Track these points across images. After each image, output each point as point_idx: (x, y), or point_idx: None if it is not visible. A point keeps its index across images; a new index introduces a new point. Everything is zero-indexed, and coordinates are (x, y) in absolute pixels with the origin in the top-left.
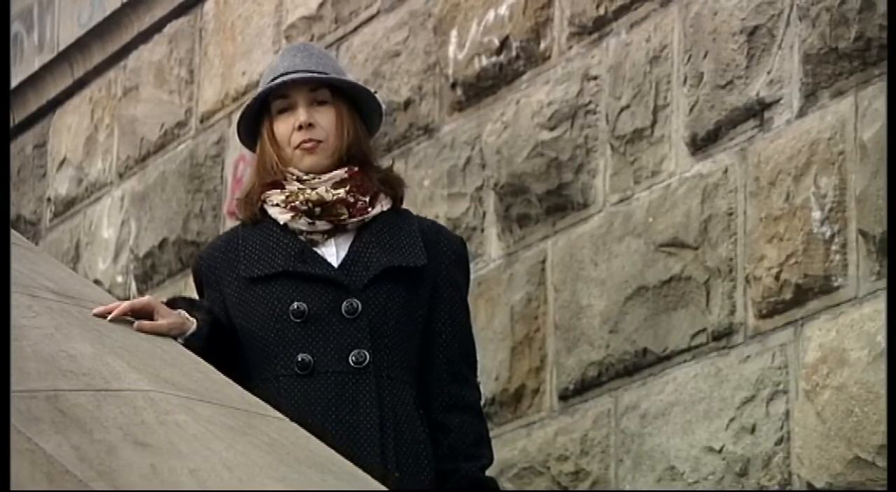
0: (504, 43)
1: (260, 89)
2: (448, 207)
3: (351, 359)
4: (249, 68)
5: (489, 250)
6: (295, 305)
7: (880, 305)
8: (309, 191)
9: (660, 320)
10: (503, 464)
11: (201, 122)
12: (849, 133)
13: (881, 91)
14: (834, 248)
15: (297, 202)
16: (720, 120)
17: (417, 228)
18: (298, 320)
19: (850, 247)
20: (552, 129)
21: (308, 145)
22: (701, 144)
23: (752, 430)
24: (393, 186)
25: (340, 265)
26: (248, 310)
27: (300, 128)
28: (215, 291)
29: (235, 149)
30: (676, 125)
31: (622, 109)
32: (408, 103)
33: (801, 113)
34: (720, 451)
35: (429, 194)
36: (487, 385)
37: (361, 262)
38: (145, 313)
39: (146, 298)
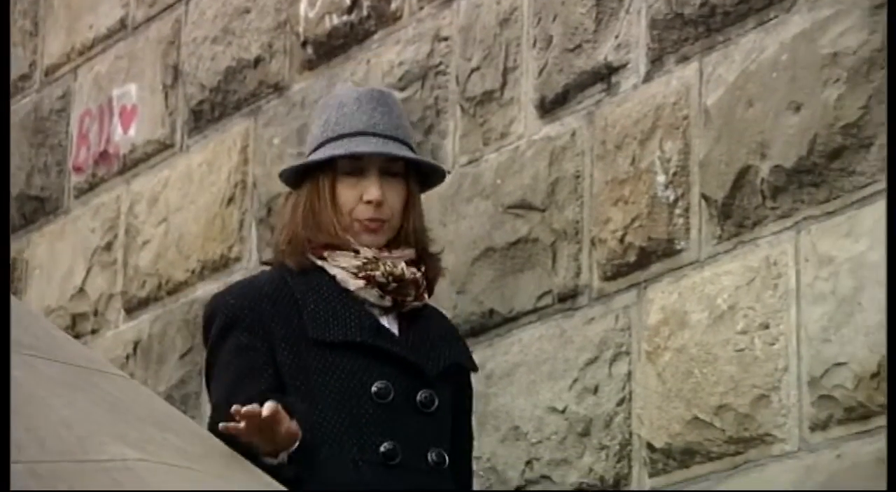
0: (355, 2)
1: (326, 136)
2: None
3: (430, 457)
4: (97, 22)
5: None
6: (380, 384)
7: (720, 268)
8: (390, 264)
9: (506, 282)
10: None
11: (46, 75)
12: (693, 98)
13: (725, 57)
14: (677, 211)
15: (378, 273)
16: (568, 83)
17: (449, 323)
18: (381, 402)
19: (693, 211)
20: (402, 89)
21: (374, 226)
22: (549, 107)
23: (595, 390)
24: (436, 276)
25: (410, 349)
26: (316, 378)
27: (368, 202)
28: (259, 342)
29: (81, 103)
30: (526, 88)
31: (472, 71)
32: (258, 61)
33: (648, 78)
34: (563, 411)
35: (278, 153)
36: None
37: (425, 349)
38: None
39: (275, 406)
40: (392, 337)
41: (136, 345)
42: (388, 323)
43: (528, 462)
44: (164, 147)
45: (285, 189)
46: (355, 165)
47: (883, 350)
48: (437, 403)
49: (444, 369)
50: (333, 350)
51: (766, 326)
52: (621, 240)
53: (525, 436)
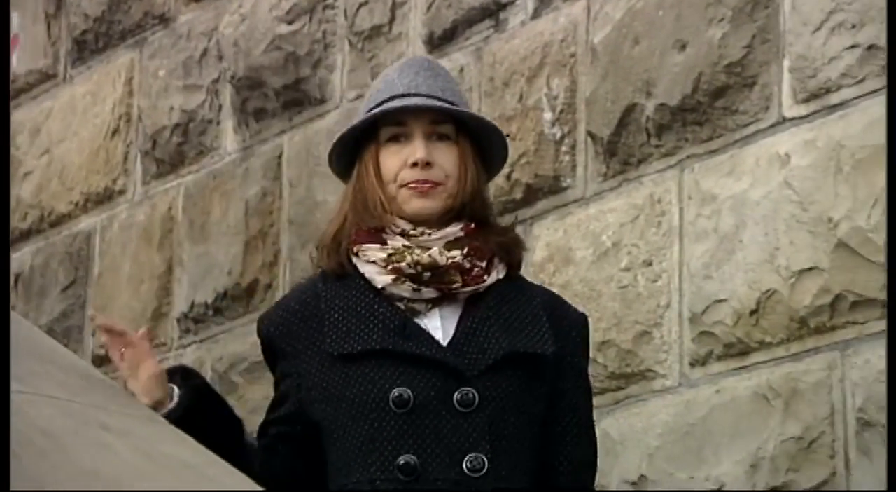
0: None
1: (368, 107)
2: (184, 98)
3: (466, 465)
4: None
5: (224, 144)
6: (396, 391)
7: (605, 205)
8: (418, 251)
9: None
10: (234, 358)
11: None
12: (580, 36)
13: None
14: (563, 149)
15: (404, 264)
16: (457, 19)
17: (539, 303)
18: (401, 411)
19: (579, 148)
20: (290, 22)
21: (423, 187)
22: (438, 43)
23: None
24: (511, 249)
25: (450, 344)
26: (335, 395)
27: (414, 165)
28: (291, 367)
29: None
30: (414, 23)
31: (360, 5)
32: None
33: (536, 14)
34: None
35: (164, 85)
36: (220, 280)
37: (476, 342)
38: (137, 353)
39: (146, 330)
40: (422, 336)
41: (17, 277)
42: (440, 318)
43: None
44: (46, 77)
45: (171, 121)
46: (398, 131)
47: (762, 287)
48: (477, 401)
49: (499, 362)
50: (353, 362)
51: (650, 263)
52: (508, 177)
53: None
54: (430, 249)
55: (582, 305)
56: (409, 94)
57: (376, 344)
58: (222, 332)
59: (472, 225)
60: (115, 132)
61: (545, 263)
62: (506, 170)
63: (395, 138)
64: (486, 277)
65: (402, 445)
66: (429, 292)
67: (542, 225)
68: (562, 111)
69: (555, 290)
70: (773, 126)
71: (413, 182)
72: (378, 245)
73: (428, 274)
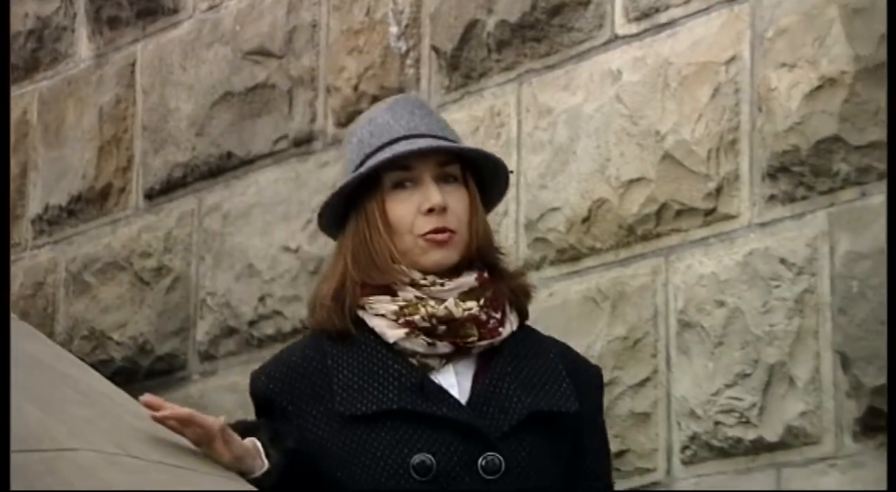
0: None
1: (364, 153)
2: (38, 5)
3: None
4: None
5: (79, 51)
6: (417, 458)
7: (448, 116)
8: (432, 303)
9: (244, 126)
10: (87, 259)
11: None
12: None
13: None
14: (408, 62)
15: (417, 317)
16: None
17: (555, 356)
18: (423, 479)
19: (423, 62)
20: None
21: (442, 237)
22: None
23: None
24: (520, 295)
25: (470, 404)
26: (348, 460)
27: (430, 211)
28: (293, 428)
29: None
30: None
31: None
32: None
33: None
34: (296, 250)
35: None
36: (74, 183)
37: (497, 401)
38: (207, 434)
39: (215, 420)
40: (442, 395)
41: None
42: (455, 374)
43: (262, 298)
44: None
45: (26, 27)
46: (405, 177)
47: (594, 196)
48: (504, 467)
49: (523, 422)
50: (368, 424)
51: None
52: (355, 88)
53: (259, 273)
54: (444, 300)
55: None
56: (411, 136)
57: (393, 404)
58: (76, 234)
59: (485, 273)
60: None
61: None
62: (353, 81)
63: (400, 184)
64: (501, 329)
65: None
66: (443, 347)
67: None
68: (407, 26)
69: None
70: (605, 43)
71: (431, 232)
72: (388, 297)
73: (443, 327)
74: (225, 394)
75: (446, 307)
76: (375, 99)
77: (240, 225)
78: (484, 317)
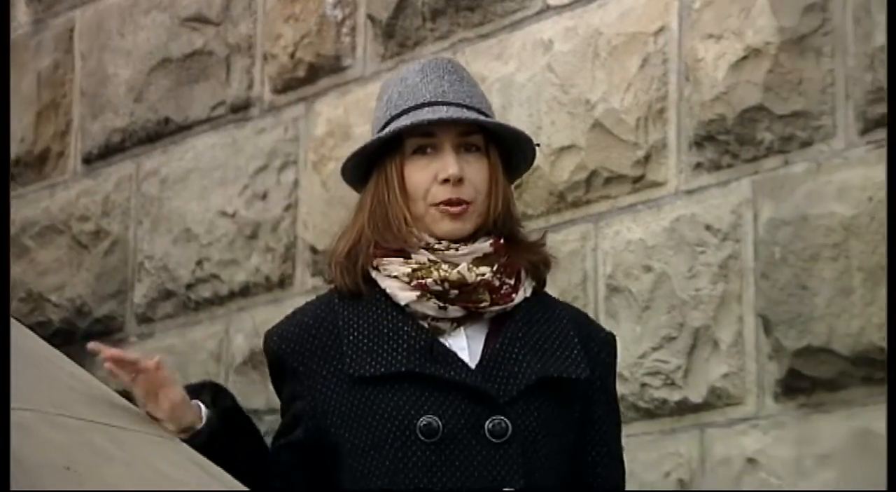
0: None
1: (391, 114)
2: None
3: None
4: None
5: (18, 16)
6: (424, 420)
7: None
8: (445, 267)
9: (182, 92)
10: (25, 222)
11: None
12: None
13: None
14: (344, 30)
15: (430, 280)
16: None
17: (568, 322)
18: (429, 441)
19: (359, 30)
20: None
21: (456, 209)
22: None
23: (264, 196)
24: (539, 265)
25: (479, 367)
26: (355, 420)
27: (445, 181)
28: (304, 388)
29: None
30: None
31: None
32: None
33: None
34: (233, 215)
35: None
36: (12, 147)
37: (506, 366)
38: (151, 379)
39: (157, 361)
40: (450, 358)
41: None
42: (466, 338)
43: (199, 262)
44: None
45: None
46: (426, 143)
47: (536, 159)
48: (511, 431)
49: (531, 388)
50: (376, 385)
51: None
52: (292, 55)
53: (196, 238)
54: (457, 264)
55: None
56: (436, 102)
57: (402, 366)
58: (15, 197)
59: (501, 241)
60: None
61: (326, 137)
62: (289, 49)
63: (421, 149)
64: (514, 295)
65: (430, 478)
66: (454, 311)
67: (324, 102)
68: None
69: (334, 164)
70: (538, 13)
71: (444, 202)
72: (401, 259)
73: (455, 292)
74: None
75: (459, 272)
76: (311, 67)
77: (177, 190)
78: (497, 283)
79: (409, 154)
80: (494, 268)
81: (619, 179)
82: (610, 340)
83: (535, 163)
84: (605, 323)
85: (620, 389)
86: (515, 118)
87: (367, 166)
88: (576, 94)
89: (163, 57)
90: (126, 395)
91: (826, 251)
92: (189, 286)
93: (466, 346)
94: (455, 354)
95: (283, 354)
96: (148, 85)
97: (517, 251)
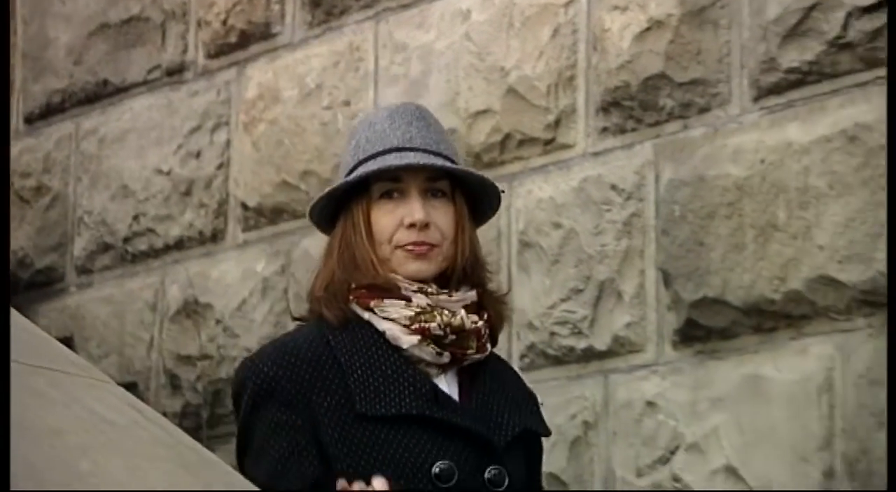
0: None
1: (358, 158)
2: None
3: None
4: None
5: None
6: (440, 466)
7: (310, 51)
8: (447, 313)
9: (120, 56)
10: None
11: None
12: None
13: None
14: None
15: (434, 324)
16: None
17: (518, 377)
18: (444, 486)
19: None
20: None
21: (420, 249)
22: None
23: (198, 155)
24: (498, 321)
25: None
26: (364, 459)
27: (411, 225)
28: (300, 418)
29: None
30: None
31: None
32: None
33: None
34: (168, 173)
35: None
36: None
37: (492, 415)
38: None
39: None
40: (454, 404)
41: None
42: (447, 384)
43: (136, 217)
44: None
45: None
46: (393, 187)
47: (445, 125)
48: (507, 481)
49: (515, 438)
50: (386, 425)
51: (348, 103)
52: (224, 22)
53: (133, 194)
54: (454, 311)
55: (288, 139)
56: (404, 148)
57: (412, 409)
58: None
59: (482, 291)
60: None
61: (256, 100)
62: (222, 16)
63: (388, 194)
64: (487, 345)
65: None
66: (444, 357)
67: (254, 67)
68: None
69: (264, 125)
70: None
71: (410, 244)
72: (403, 302)
73: (452, 337)
74: (100, 305)
75: (460, 318)
76: (243, 33)
77: (115, 148)
78: (483, 331)
79: (375, 198)
80: (484, 317)
81: (532, 141)
82: (536, 398)
83: (454, 125)
84: (517, 276)
85: (531, 337)
86: (434, 84)
87: (334, 208)
88: (491, 61)
89: (101, 22)
90: (66, 342)
91: (721, 210)
92: (126, 240)
93: (449, 393)
94: (455, 401)
95: (275, 381)
96: (87, 49)
97: (489, 303)
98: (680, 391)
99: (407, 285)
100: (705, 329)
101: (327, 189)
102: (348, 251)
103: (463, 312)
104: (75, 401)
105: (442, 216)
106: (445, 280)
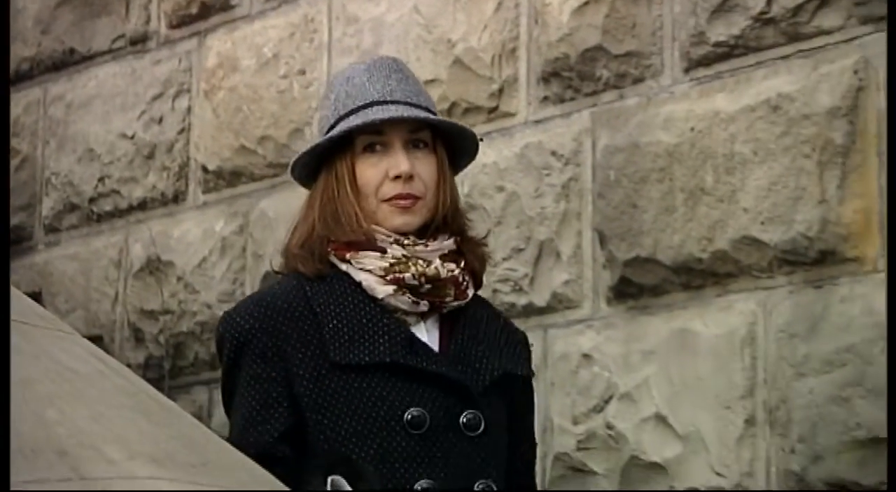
0: None
1: (339, 113)
2: None
3: (477, 489)
4: None
5: None
6: (414, 412)
7: (268, 22)
8: (422, 263)
9: (85, 25)
10: None
11: None
12: None
13: None
14: None
15: (407, 275)
16: None
17: (503, 321)
18: (415, 432)
19: None
20: None
21: (406, 202)
22: None
23: (160, 121)
24: (480, 265)
25: (450, 361)
26: (338, 407)
27: (396, 177)
28: (275, 371)
29: None
30: None
31: None
32: None
33: None
34: (132, 137)
35: None
36: None
37: (471, 360)
38: None
39: None
40: (429, 351)
41: None
42: (426, 332)
43: (101, 179)
44: None
45: None
46: (376, 140)
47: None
48: (483, 424)
49: (493, 383)
50: (359, 374)
51: (303, 72)
52: None
53: (99, 157)
54: (428, 261)
55: (246, 106)
56: (384, 101)
57: (386, 356)
58: None
59: (459, 238)
60: None
61: (216, 69)
62: None
63: (370, 147)
64: (469, 291)
65: (414, 468)
66: (422, 306)
67: (214, 37)
68: None
69: (223, 92)
70: None
71: (395, 197)
72: (378, 254)
73: (428, 286)
74: (67, 262)
75: (435, 267)
76: (203, 5)
77: (81, 114)
78: (461, 279)
79: (359, 152)
80: (461, 264)
81: (476, 109)
82: (526, 339)
83: None
84: None
85: None
86: (385, 54)
87: (315, 164)
88: (439, 33)
89: None
90: (35, 297)
91: (653, 174)
92: (92, 200)
93: (428, 340)
94: (430, 348)
95: (250, 333)
96: (54, 19)
97: (468, 249)
98: (613, 345)
99: (384, 237)
100: (637, 286)
101: (310, 144)
102: (330, 205)
103: (438, 261)
104: (43, 352)
105: (425, 167)
106: (425, 229)
